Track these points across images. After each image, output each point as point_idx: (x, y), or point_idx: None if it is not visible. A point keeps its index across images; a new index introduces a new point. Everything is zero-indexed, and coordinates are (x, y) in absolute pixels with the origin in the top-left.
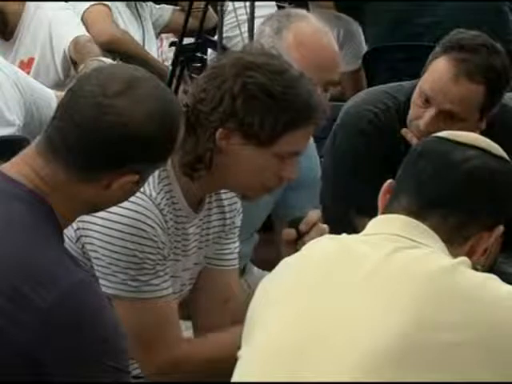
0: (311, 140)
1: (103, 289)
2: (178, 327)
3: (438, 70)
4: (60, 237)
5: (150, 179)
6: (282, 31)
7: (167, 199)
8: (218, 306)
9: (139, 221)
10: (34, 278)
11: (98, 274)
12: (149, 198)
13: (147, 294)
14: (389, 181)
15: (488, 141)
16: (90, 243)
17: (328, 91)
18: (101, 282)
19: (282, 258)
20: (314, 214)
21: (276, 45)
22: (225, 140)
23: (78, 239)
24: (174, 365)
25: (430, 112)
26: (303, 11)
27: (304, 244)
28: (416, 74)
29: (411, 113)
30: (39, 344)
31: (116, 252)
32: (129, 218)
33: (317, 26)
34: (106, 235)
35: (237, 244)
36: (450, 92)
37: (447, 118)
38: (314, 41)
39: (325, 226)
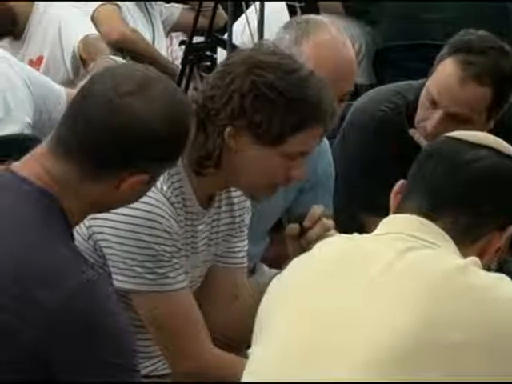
0: (325, 140)
1: (120, 284)
2: (201, 322)
3: (445, 72)
4: (70, 235)
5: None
6: (300, 42)
7: (177, 195)
8: (225, 305)
9: (152, 213)
10: (43, 277)
11: (114, 269)
12: (160, 192)
13: (165, 287)
14: (401, 181)
15: (499, 140)
16: (104, 239)
17: (344, 101)
18: (118, 277)
19: (288, 255)
20: (318, 210)
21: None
22: (233, 138)
23: (90, 237)
24: (201, 367)
25: (438, 114)
26: (323, 19)
27: (307, 240)
28: (425, 73)
29: (419, 114)
30: (47, 343)
31: (131, 245)
32: (141, 210)
33: (336, 37)
34: (120, 230)
35: (245, 242)
36: (458, 95)
37: (455, 119)
38: (333, 55)
39: (330, 221)
